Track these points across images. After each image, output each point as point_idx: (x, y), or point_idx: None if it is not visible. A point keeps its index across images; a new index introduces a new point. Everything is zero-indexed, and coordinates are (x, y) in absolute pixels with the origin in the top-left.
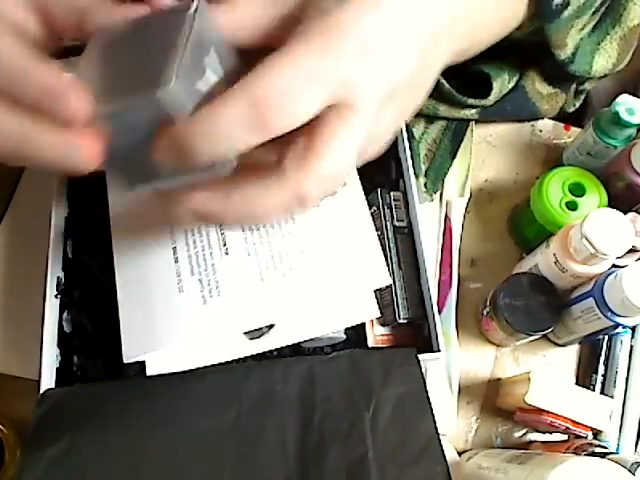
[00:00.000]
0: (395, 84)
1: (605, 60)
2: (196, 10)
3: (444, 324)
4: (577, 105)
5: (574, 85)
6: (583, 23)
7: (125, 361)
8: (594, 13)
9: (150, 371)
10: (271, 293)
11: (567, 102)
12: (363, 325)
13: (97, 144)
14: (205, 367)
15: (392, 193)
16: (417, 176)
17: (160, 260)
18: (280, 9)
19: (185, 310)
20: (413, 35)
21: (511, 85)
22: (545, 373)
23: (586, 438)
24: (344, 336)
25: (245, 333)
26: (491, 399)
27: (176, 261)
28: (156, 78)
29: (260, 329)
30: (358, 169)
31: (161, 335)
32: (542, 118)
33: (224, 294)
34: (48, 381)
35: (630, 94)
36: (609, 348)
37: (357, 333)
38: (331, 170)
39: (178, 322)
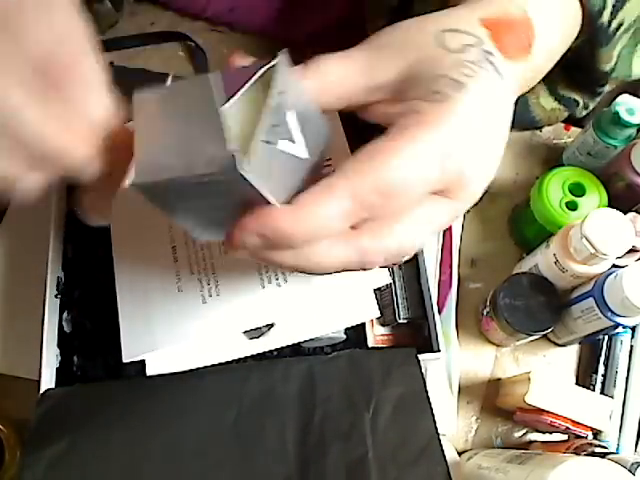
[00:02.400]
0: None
1: None
2: (274, 66)
3: (444, 324)
4: (590, 108)
5: (580, 98)
6: (629, 35)
7: (124, 361)
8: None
9: (150, 371)
10: (270, 293)
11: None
12: (363, 325)
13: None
14: (205, 367)
15: None
16: None
17: (159, 260)
18: (370, 80)
19: (185, 310)
20: (506, 129)
21: None
22: (545, 373)
23: (586, 438)
24: (344, 336)
25: (245, 333)
26: (491, 399)
27: (175, 260)
28: (223, 148)
29: (260, 329)
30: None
31: (160, 335)
32: (540, 128)
33: (223, 293)
34: (48, 381)
35: (630, 94)
36: (609, 348)
37: (357, 333)
38: (407, 247)
39: (178, 322)
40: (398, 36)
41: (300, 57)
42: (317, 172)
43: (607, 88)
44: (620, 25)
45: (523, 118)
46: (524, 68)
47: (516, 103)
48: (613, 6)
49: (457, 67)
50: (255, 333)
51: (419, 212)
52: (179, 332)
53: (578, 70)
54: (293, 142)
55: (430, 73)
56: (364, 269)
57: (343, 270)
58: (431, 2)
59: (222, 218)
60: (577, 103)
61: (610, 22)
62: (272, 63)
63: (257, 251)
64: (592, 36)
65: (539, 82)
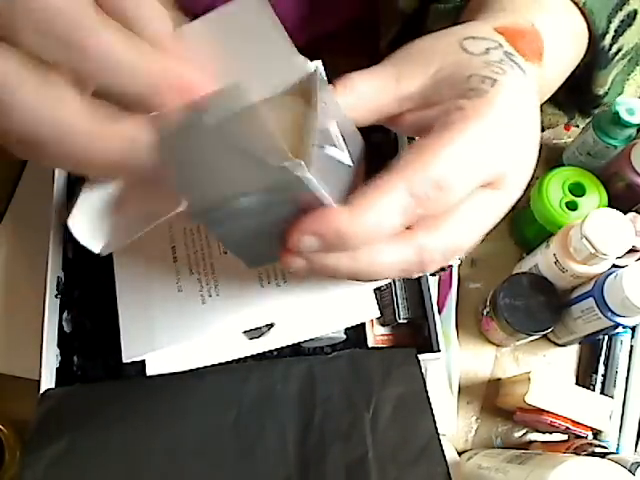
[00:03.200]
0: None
1: (634, 89)
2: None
3: (444, 324)
4: (580, 127)
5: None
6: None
7: (124, 361)
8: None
9: (150, 371)
10: (270, 292)
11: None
12: (363, 325)
13: None
14: (205, 367)
15: None
16: None
17: (159, 259)
18: (399, 91)
19: (184, 310)
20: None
21: None
22: (545, 373)
23: (586, 438)
24: (344, 336)
25: (245, 332)
26: (491, 399)
27: (175, 260)
28: (277, 154)
29: (260, 329)
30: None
31: (160, 335)
32: (542, 130)
33: (223, 293)
34: (48, 381)
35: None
36: (609, 348)
37: (357, 333)
38: (463, 243)
39: (177, 322)
40: (422, 47)
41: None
42: (358, 183)
43: (597, 111)
44: (619, 50)
45: None
46: (538, 74)
47: None
48: (615, 31)
49: (485, 67)
50: (255, 333)
51: (471, 206)
52: (179, 332)
53: (574, 90)
54: (338, 149)
55: (460, 75)
56: (423, 271)
57: (402, 274)
58: (445, 16)
59: (274, 239)
60: (574, 114)
61: (611, 46)
62: (306, 72)
63: (313, 257)
64: (593, 57)
65: None
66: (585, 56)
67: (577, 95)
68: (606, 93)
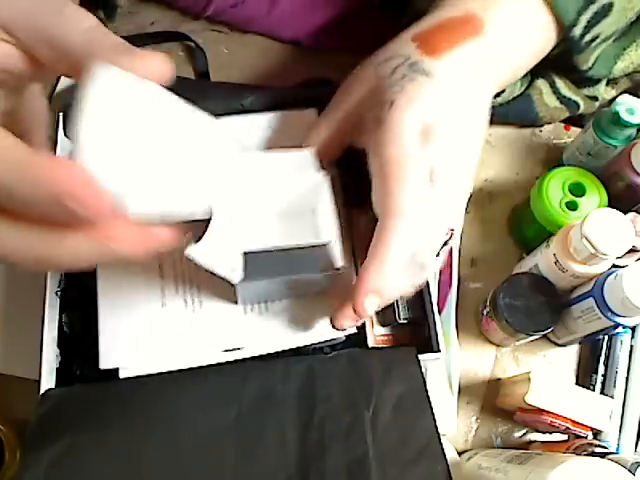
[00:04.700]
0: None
1: (626, 65)
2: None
3: (444, 324)
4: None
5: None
6: (608, 43)
7: (101, 367)
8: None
9: (123, 374)
10: (251, 317)
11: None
12: (363, 325)
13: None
14: (205, 367)
15: None
16: None
17: (144, 274)
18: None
19: (166, 325)
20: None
21: (520, 91)
22: (545, 373)
23: (586, 438)
24: (344, 336)
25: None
26: (491, 399)
27: (162, 277)
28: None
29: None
30: (358, 170)
31: (140, 347)
32: (541, 126)
33: (206, 313)
34: (48, 381)
35: (630, 94)
36: (609, 348)
37: (357, 333)
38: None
39: (158, 336)
40: (355, 74)
41: (302, 56)
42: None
43: (602, 89)
44: (595, 37)
45: (526, 117)
46: (476, 50)
47: (521, 102)
48: (588, 21)
49: (388, 89)
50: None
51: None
52: (158, 347)
53: (566, 69)
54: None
55: (374, 100)
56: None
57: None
58: None
59: (283, 290)
60: (578, 106)
61: (583, 35)
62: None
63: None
64: (565, 44)
65: (541, 79)
66: (560, 42)
67: (569, 73)
68: (590, 68)
